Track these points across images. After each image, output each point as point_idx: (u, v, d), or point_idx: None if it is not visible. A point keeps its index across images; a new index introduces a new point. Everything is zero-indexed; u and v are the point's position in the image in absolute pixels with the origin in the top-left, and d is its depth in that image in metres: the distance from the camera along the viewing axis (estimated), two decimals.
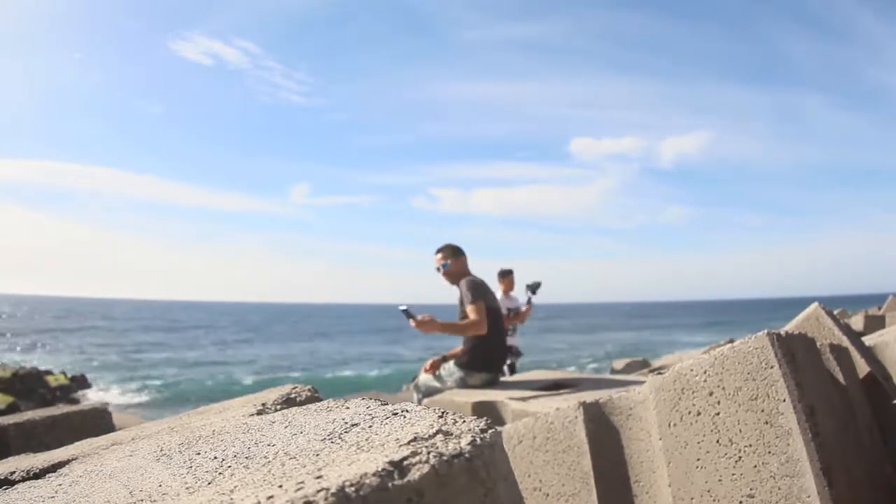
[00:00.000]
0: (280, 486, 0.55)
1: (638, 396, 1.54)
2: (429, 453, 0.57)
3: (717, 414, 1.34)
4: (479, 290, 3.77)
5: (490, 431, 0.65)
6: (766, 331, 1.34)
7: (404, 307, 3.44)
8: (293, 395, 1.21)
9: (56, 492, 0.81)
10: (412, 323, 3.48)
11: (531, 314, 5.46)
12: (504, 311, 4.55)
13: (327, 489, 0.51)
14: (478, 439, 0.62)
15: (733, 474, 1.29)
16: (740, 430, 1.30)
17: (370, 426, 0.74)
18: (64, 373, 19.31)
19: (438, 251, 4.00)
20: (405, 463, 0.56)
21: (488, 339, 3.87)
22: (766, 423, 1.26)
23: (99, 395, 18.09)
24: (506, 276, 5.43)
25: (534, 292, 5.32)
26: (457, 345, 3.95)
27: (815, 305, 1.94)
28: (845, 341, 1.78)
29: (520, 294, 5.46)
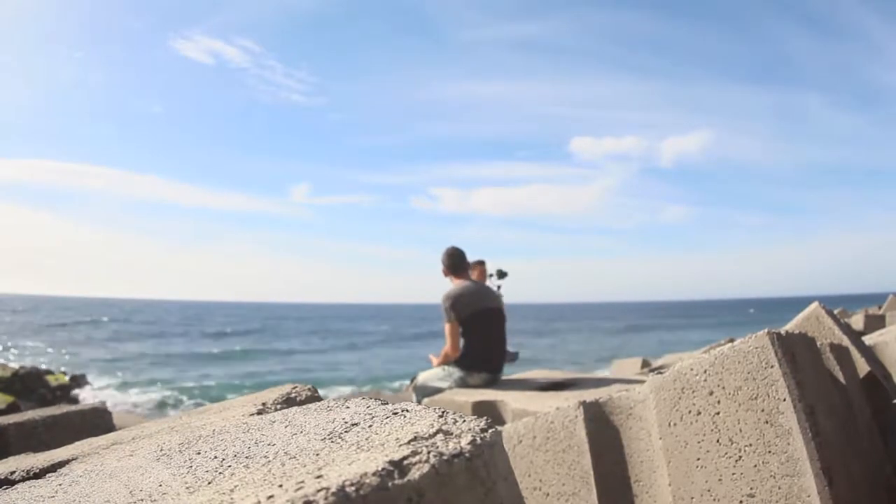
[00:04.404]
0: (280, 486, 0.55)
1: (638, 396, 1.54)
2: (429, 453, 0.57)
3: (717, 413, 1.34)
4: (451, 306, 3.84)
5: (490, 431, 0.65)
6: (766, 330, 1.34)
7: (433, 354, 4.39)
8: (293, 395, 1.21)
9: (56, 491, 0.81)
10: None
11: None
12: None
13: (327, 489, 0.51)
14: (478, 439, 0.62)
15: (733, 474, 1.29)
16: (740, 430, 1.30)
17: (370, 426, 0.74)
18: (64, 372, 19.29)
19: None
20: (405, 462, 0.56)
21: (487, 339, 3.87)
22: (767, 422, 1.26)
23: (99, 395, 18.08)
24: (474, 267, 5.47)
25: (500, 277, 5.37)
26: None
27: (815, 305, 1.94)
28: (845, 341, 1.78)
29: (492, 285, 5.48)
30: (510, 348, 4.34)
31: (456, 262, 4.07)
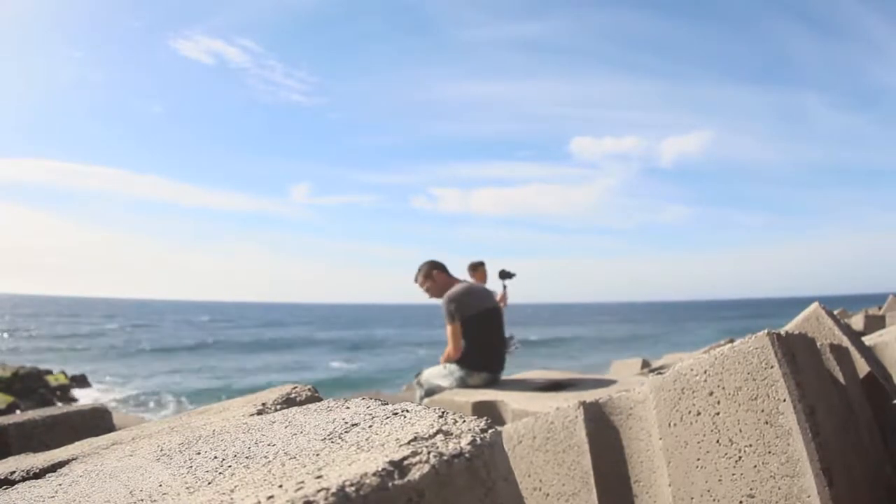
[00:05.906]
0: (280, 486, 0.55)
1: (638, 396, 1.54)
2: (429, 453, 0.57)
3: (717, 414, 1.34)
4: (455, 307, 3.85)
5: (490, 431, 0.65)
6: (766, 330, 1.34)
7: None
8: (293, 395, 1.21)
9: (56, 491, 0.81)
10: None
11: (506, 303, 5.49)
12: None
13: (327, 489, 0.51)
14: (478, 439, 0.62)
15: (733, 474, 1.29)
16: (740, 430, 1.30)
17: (370, 426, 0.74)
18: (64, 373, 19.28)
19: (415, 279, 4.16)
20: (405, 463, 0.56)
21: (488, 339, 3.88)
22: (766, 422, 1.26)
23: (99, 395, 18.06)
24: (476, 268, 5.47)
25: (509, 277, 5.36)
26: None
27: (815, 305, 1.95)
28: (845, 341, 1.78)
29: (496, 286, 5.47)
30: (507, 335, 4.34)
31: (443, 267, 4.14)
